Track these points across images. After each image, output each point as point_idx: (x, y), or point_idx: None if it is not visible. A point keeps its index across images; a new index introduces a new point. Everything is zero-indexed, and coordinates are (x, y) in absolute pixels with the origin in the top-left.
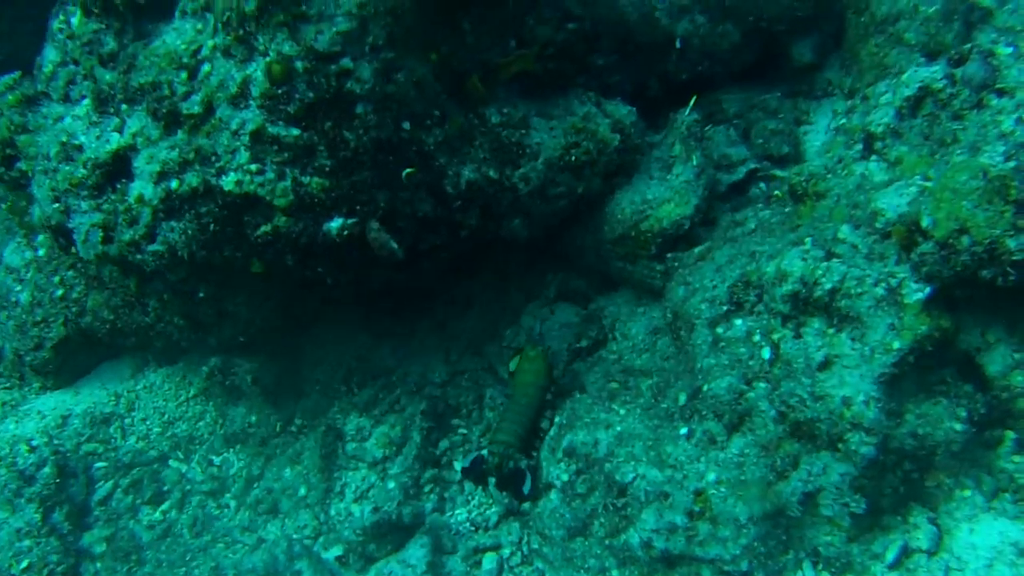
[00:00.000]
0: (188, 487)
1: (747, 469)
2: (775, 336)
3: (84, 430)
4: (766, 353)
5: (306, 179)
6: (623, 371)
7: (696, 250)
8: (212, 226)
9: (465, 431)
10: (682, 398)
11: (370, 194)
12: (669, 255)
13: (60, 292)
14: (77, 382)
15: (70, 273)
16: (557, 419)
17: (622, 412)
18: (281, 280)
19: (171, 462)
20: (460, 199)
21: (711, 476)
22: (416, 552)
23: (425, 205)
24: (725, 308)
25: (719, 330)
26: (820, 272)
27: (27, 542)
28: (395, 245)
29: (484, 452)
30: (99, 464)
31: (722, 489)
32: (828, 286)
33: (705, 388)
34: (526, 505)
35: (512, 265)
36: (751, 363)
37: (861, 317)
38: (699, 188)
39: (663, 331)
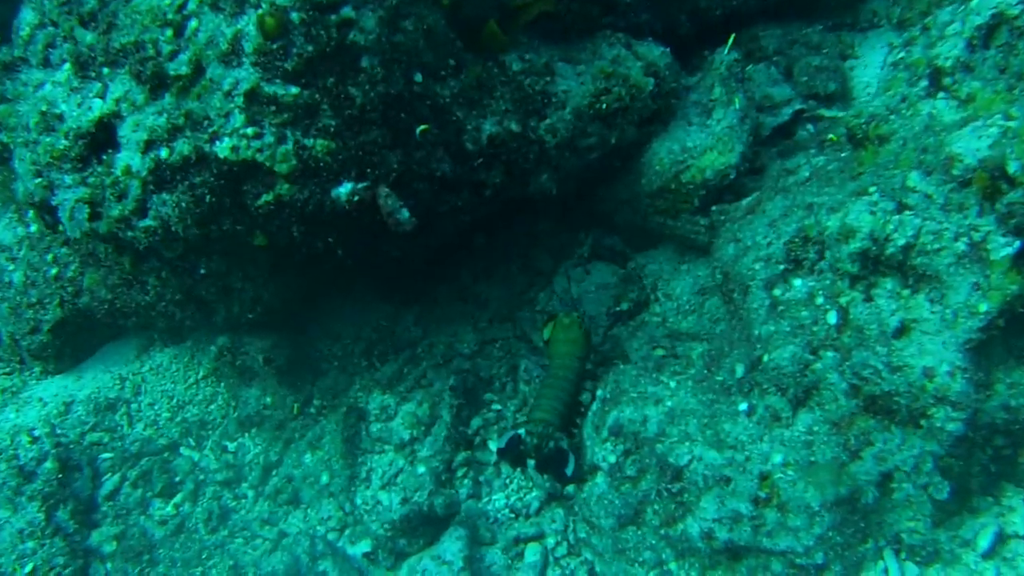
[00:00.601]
0: (202, 477)
1: (817, 449)
2: (842, 299)
3: (88, 418)
4: (832, 318)
5: (309, 142)
6: (669, 335)
7: (744, 202)
8: (208, 197)
9: (499, 407)
10: (739, 370)
11: (381, 155)
12: (714, 208)
13: (54, 271)
14: (80, 365)
15: (64, 250)
16: (600, 392)
17: (672, 385)
18: (288, 253)
19: (182, 450)
20: (481, 156)
21: (777, 458)
22: (451, 545)
23: (443, 164)
24: (782, 267)
25: (776, 292)
26: (892, 227)
27: (31, 543)
28: (406, 214)
29: (521, 431)
30: (105, 455)
31: (790, 472)
32: (901, 242)
33: (765, 358)
34: (570, 488)
35: (541, 223)
36: (815, 329)
37: (940, 276)
38: (743, 134)
39: (711, 290)
